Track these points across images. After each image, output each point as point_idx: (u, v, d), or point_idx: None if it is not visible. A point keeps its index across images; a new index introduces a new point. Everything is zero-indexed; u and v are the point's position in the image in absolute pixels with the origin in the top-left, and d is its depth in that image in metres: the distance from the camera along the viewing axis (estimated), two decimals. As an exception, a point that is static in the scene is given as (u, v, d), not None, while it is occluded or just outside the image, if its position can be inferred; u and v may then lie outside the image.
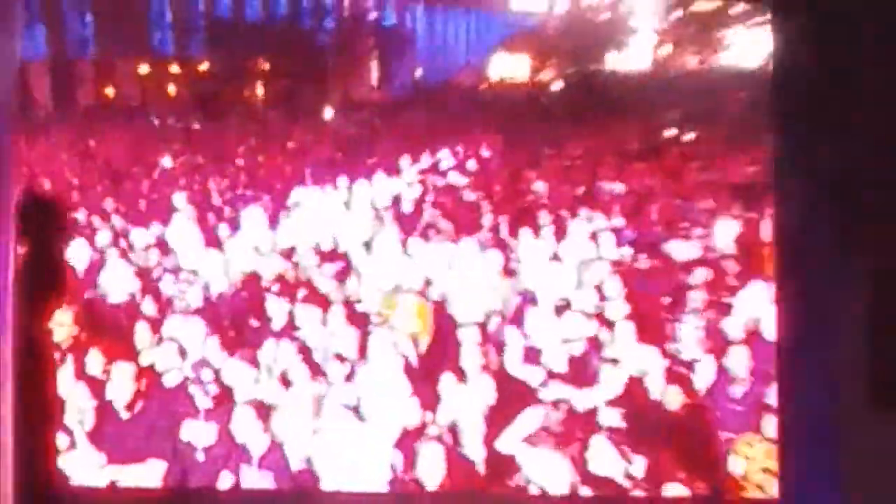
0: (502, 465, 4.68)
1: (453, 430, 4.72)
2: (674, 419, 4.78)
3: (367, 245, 6.31)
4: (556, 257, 6.19)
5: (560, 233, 6.51)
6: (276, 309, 5.51)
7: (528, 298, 5.69)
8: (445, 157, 8.36)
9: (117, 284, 5.97)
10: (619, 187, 7.30)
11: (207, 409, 4.83)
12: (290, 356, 5.04)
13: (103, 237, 6.57)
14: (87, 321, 5.48)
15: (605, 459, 4.42)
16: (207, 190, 7.75)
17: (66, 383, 4.93)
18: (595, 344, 5.24)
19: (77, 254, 6.11)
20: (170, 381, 4.99)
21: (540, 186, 7.42)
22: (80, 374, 5.02)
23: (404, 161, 8.15)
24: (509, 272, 6.01)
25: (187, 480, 4.67)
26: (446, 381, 4.85)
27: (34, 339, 1.73)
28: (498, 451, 4.70)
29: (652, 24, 11.52)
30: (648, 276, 5.96)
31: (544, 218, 6.65)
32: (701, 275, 5.74)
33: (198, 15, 9.95)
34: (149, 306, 5.67)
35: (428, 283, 5.81)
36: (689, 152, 8.00)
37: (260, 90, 10.14)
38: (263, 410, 4.63)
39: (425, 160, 8.20)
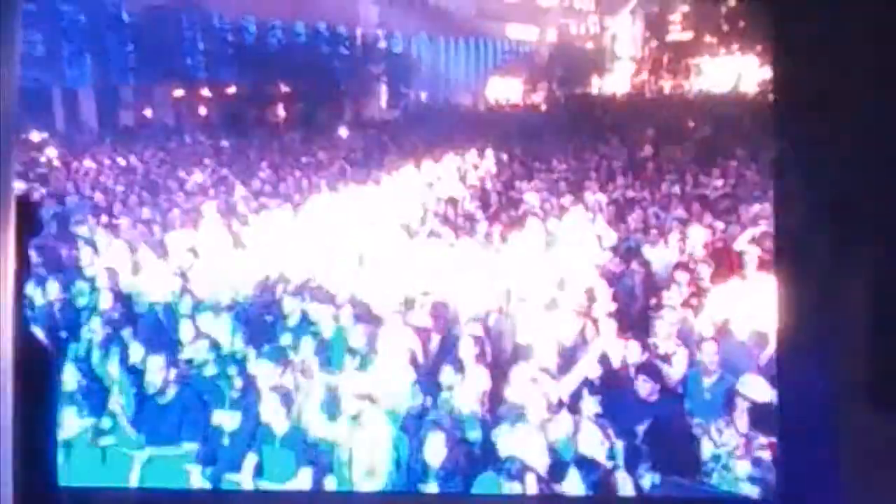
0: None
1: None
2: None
3: (376, 248, 6.46)
4: (544, 260, 6.27)
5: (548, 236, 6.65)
6: (293, 307, 5.65)
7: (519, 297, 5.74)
8: (446, 169, 8.92)
9: (154, 284, 6.24)
10: (602, 198, 7.64)
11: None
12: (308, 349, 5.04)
13: (141, 241, 6.84)
14: (128, 317, 5.71)
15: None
16: (233, 199, 8.07)
17: (112, 372, 5.08)
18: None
19: (119, 256, 6.45)
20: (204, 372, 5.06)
21: (532, 197, 7.75)
22: (121, 364, 5.12)
23: (410, 172, 8.72)
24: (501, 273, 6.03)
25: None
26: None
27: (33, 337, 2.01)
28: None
29: (632, 52, 12.55)
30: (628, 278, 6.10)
31: (533, 224, 6.81)
32: (676, 276, 5.85)
33: (226, 44, 10.93)
34: (185, 304, 5.89)
35: (431, 283, 5.86)
36: (665, 167, 8.57)
37: (281, 111, 11.28)
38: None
39: (428, 172, 8.76)
